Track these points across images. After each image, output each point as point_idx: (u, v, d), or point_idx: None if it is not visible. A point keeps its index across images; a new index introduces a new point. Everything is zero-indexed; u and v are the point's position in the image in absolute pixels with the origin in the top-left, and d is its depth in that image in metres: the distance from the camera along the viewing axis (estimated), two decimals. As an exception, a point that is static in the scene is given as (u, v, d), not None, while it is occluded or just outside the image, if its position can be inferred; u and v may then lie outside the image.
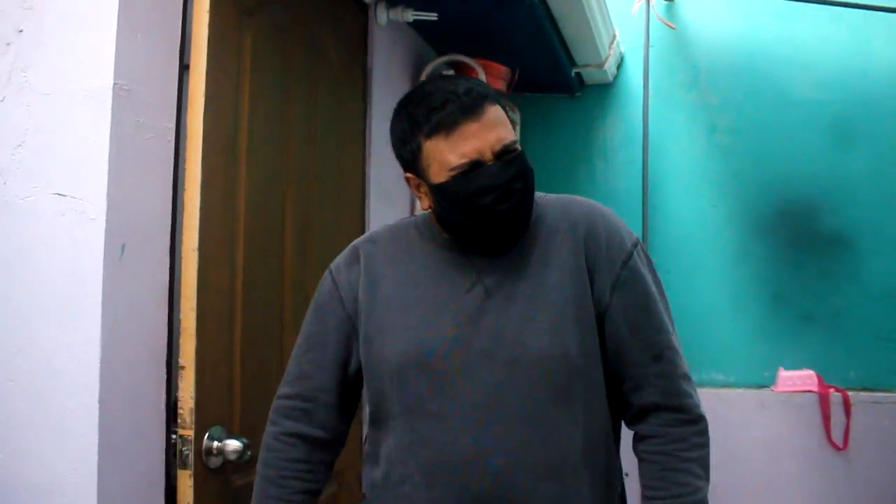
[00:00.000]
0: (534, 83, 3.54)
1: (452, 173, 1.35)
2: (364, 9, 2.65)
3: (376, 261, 1.49)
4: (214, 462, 1.74)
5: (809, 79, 3.50)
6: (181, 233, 1.73)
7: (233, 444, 1.74)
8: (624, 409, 1.46)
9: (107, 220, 1.55)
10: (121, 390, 1.58)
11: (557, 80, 3.58)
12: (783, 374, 3.37)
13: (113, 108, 1.57)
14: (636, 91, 3.71)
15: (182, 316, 1.70)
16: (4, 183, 1.61)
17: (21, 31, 1.64)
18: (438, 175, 1.37)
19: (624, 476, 1.50)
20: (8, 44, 1.64)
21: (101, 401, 1.52)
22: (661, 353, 1.42)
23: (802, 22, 3.51)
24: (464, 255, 1.44)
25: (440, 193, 1.38)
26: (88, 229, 1.55)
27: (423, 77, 3.04)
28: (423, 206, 1.46)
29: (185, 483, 1.67)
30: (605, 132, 3.76)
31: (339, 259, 1.54)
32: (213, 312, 1.78)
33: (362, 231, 2.59)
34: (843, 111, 3.45)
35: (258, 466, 1.50)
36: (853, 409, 3.28)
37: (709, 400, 3.11)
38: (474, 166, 1.34)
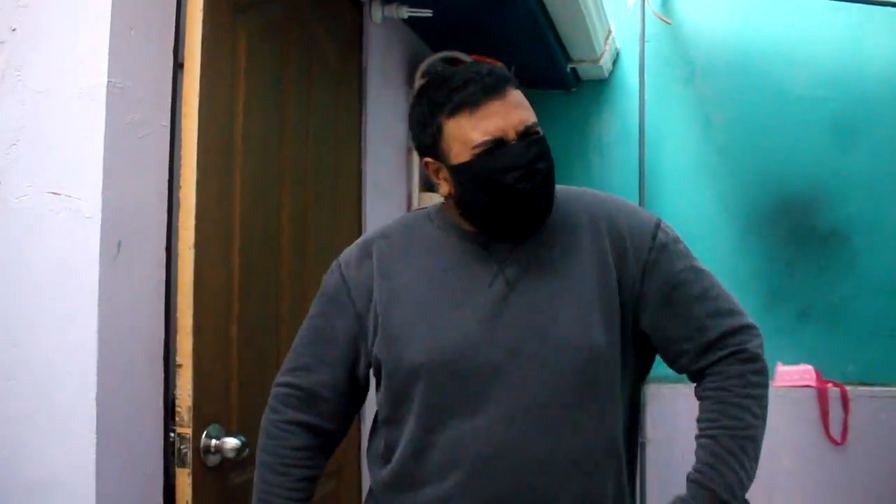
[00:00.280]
0: (529, 79, 3.48)
1: (475, 151, 1.33)
2: (359, 6, 2.65)
3: (391, 257, 1.46)
4: (213, 460, 1.73)
5: (806, 74, 3.50)
6: (177, 231, 1.72)
7: (231, 442, 1.74)
8: (686, 374, 1.46)
9: (102, 219, 1.54)
10: (118, 389, 1.57)
11: (552, 75, 3.57)
12: (781, 369, 3.37)
13: (107, 107, 1.57)
14: (632, 87, 3.71)
15: (179, 314, 1.70)
16: (-1, 182, 1.61)
17: (14, 29, 1.63)
18: (460, 155, 1.35)
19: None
20: (2, 42, 1.64)
21: (99, 399, 1.52)
22: (704, 324, 1.42)
23: (799, 16, 3.51)
24: (483, 247, 1.41)
25: (462, 174, 1.36)
26: (84, 228, 1.55)
27: (418, 74, 3.04)
28: (441, 192, 1.44)
29: (184, 481, 1.66)
30: (600, 128, 3.76)
31: (349, 253, 1.50)
32: (210, 310, 1.78)
33: (359, 228, 2.59)
34: (841, 106, 3.45)
35: (258, 453, 1.50)
36: (851, 404, 3.29)
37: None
38: (497, 144, 1.33)
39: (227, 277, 1.86)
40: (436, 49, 3.14)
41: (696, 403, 1.46)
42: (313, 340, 1.50)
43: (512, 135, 1.34)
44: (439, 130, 1.37)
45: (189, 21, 1.75)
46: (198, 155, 1.73)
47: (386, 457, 1.43)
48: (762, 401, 1.40)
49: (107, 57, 1.57)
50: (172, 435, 1.69)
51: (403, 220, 1.54)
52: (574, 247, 1.41)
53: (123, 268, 1.60)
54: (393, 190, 2.91)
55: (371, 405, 1.55)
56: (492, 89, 1.34)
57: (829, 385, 3.30)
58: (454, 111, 1.34)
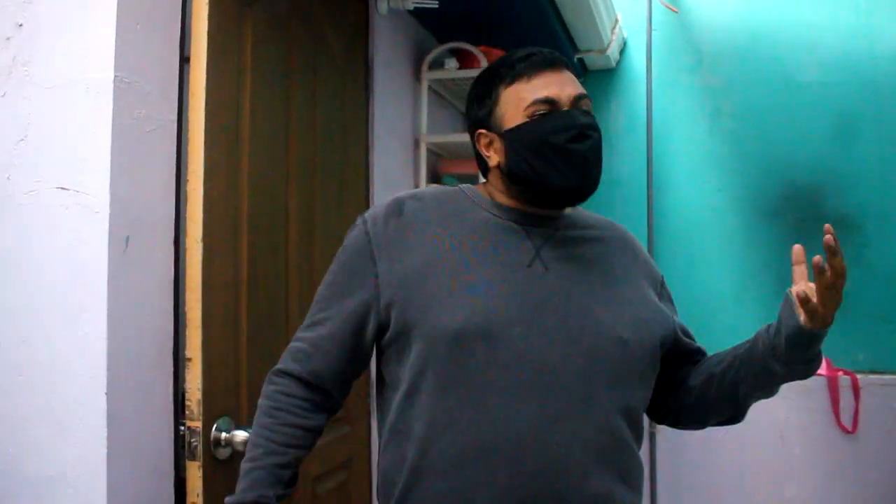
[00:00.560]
0: (536, 70, 3.52)
1: (530, 111, 1.38)
2: (364, -2, 2.64)
3: (424, 218, 1.42)
4: (223, 453, 1.74)
5: (814, 61, 3.48)
6: (185, 225, 1.73)
7: (241, 435, 1.74)
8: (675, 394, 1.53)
9: (110, 214, 1.54)
10: (128, 383, 1.58)
11: (560, 66, 3.56)
12: (791, 357, 3.36)
13: (114, 101, 1.57)
14: (639, 76, 3.70)
15: (187, 308, 1.70)
16: (7, 178, 1.61)
17: (21, 25, 1.64)
18: (514, 118, 1.39)
19: None
20: (8, 38, 1.64)
21: (109, 394, 1.52)
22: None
23: (805, 3, 3.50)
24: (520, 227, 1.42)
25: (514, 135, 1.39)
26: (92, 223, 1.55)
27: (424, 65, 3.04)
28: (491, 164, 1.45)
29: (194, 474, 1.67)
30: (608, 118, 3.75)
31: (377, 210, 1.46)
32: (219, 304, 1.78)
33: (367, 221, 2.59)
34: (849, 93, 3.44)
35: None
36: (862, 392, 3.28)
37: (716, 384, 3.11)
38: (551, 109, 1.38)
39: (235, 271, 1.87)
40: (442, 40, 3.14)
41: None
42: (327, 297, 1.45)
43: (566, 102, 1.39)
44: (496, 100, 1.42)
45: (195, 15, 1.75)
46: (205, 149, 1.73)
47: (405, 434, 1.37)
48: None
49: (113, 52, 1.57)
50: (182, 428, 1.70)
51: (435, 190, 1.52)
52: (604, 252, 1.48)
53: (132, 262, 1.60)
54: (400, 182, 2.91)
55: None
56: (551, 62, 1.41)
57: (840, 373, 3.30)
58: (513, 79, 1.40)
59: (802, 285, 1.32)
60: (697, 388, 1.48)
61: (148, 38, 1.67)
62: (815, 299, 1.26)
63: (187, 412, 1.69)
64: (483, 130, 1.44)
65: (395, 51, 2.88)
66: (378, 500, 1.45)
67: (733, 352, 1.45)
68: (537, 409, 1.31)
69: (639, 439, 1.43)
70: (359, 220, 1.46)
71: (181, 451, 1.70)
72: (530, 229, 1.42)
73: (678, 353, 1.52)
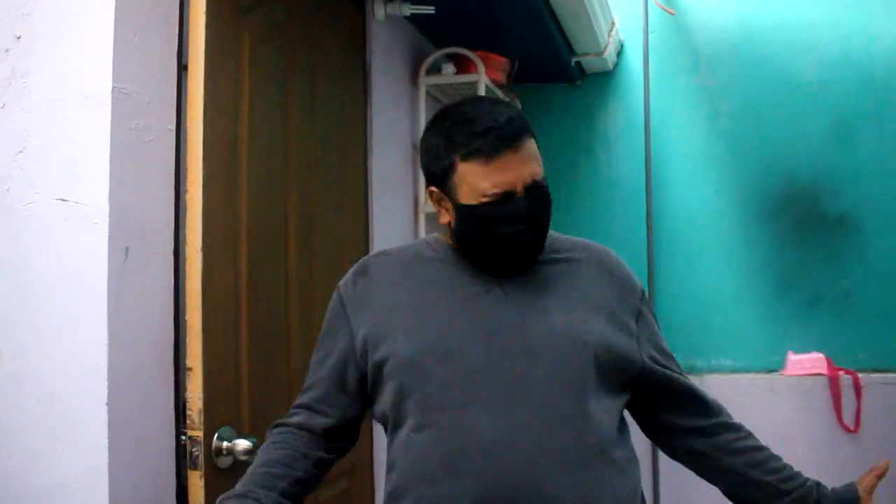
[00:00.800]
0: (533, 73, 3.53)
1: (484, 199, 1.38)
2: (361, 4, 2.65)
3: (387, 270, 1.52)
4: (224, 462, 1.74)
5: (811, 61, 3.48)
6: (184, 234, 1.73)
7: (242, 444, 1.74)
8: (667, 427, 1.56)
9: (110, 224, 1.55)
10: (129, 393, 1.58)
11: (557, 69, 3.57)
12: (792, 357, 3.36)
13: (112, 112, 1.57)
14: (637, 78, 3.70)
15: (188, 317, 1.70)
16: (7, 189, 1.61)
17: (19, 37, 1.64)
18: (468, 198, 1.40)
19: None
20: (6, 50, 1.64)
21: (110, 404, 1.53)
22: (682, 371, 1.57)
23: (802, 3, 3.49)
24: (479, 270, 1.46)
25: (466, 214, 1.41)
26: (91, 233, 1.55)
27: (421, 71, 3.04)
28: (441, 221, 1.49)
29: (196, 484, 1.67)
30: (606, 120, 3.75)
31: (347, 275, 1.56)
32: (219, 313, 1.78)
33: (366, 226, 2.60)
34: (846, 92, 3.43)
35: None
36: (864, 391, 3.27)
37: (718, 386, 3.12)
38: (505, 197, 1.38)
39: (235, 279, 1.87)
40: (439, 45, 3.14)
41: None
42: (315, 361, 1.54)
43: (520, 188, 1.38)
44: (452, 168, 1.41)
45: (193, 23, 1.75)
46: (203, 157, 1.73)
47: (389, 465, 1.45)
48: None
49: (111, 62, 1.58)
50: (183, 438, 1.70)
51: (401, 246, 1.61)
52: (570, 272, 1.49)
53: (132, 272, 1.60)
54: (399, 187, 2.91)
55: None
56: (510, 141, 1.37)
57: (841, 372, 3.29)
58: (469, 156, 1.38)
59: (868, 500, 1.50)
60: (714, 464, 1.54)
61: (145, 48, 1.67)
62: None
63: (188, 421, 1.68)
64: (435, 189, 1.46)
65: (392, 56, 2.89)
66: None
67: (770, 475, 1.52)
68: (502, 422, 1.34)
69: (617, 445, 1.41)
70: (335, 291, 1.55)
71: (182, 460, 1.70)
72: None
73: (651, 382, 1.51)
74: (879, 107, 3.39)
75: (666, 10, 3.60)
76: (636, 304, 1.51)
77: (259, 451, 1.50)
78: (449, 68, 3.08)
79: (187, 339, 1.70)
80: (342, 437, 1.53)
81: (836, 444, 3.30)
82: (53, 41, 1.62)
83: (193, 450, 1.68)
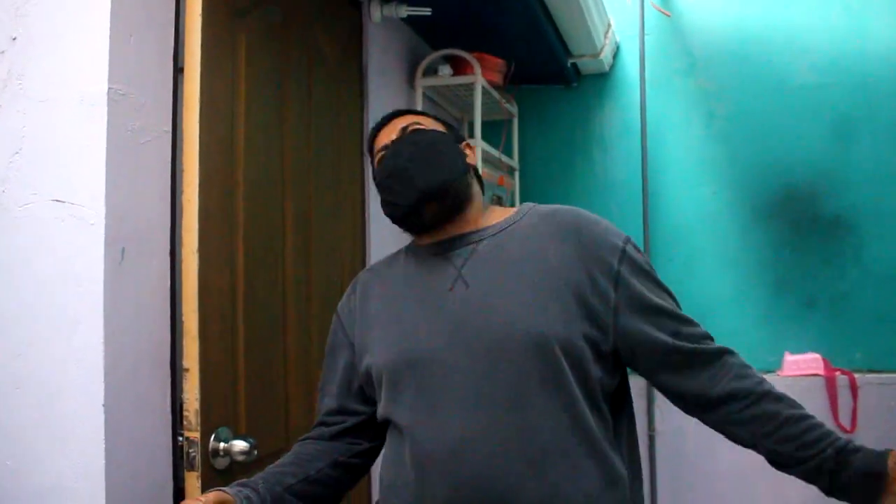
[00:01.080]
0: (530, 75, 3.54)
1: (376, 163, 1.58)
2: (357, 6, 2.65)
3: (371, 285, 1.59)
4: (221, 463, 1.74)
5: (806, 63, 3.49)
6: (181, 235, 1.73)
7: (239, 445, 1.75)
8: (680, 399, 1.44)
9: (106, 225, 1.55)
10: (126, 394, 1.58)
11: (553, 71, 3.57)
12: (789, 358, 3.37)
13: (109, 113, 1.57)
14: (633, 80, 3.70)
15: (184, 318, 1.70)
16: (3, 191, 1.61)
17: (14, 38, 1.64)
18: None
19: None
20: (2, 52, 1.64)
21: (107, 405, 1.53)
22: (679, 330, 1.42)
23: (797, 6, 3.50)
24: (444, 258, 1.49)
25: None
26: (88, 235, 1.55)
27: (418, 72, 3.05)
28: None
29: (193, 485, 1.67)
30: (602, 122, 3.75)
31: (343, 297, 1.64)
32: (216, 314, 1.78)
33: (363, 228, 2.60)
34: (841, 94, 3.44)
35: None
36: (860, 392, 3.28)
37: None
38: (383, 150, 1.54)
39: (232, 280, 1.87)
40: (436, 47, 3.14)
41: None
42: (323, 378, 1.63)
43: (395, 136, 1.54)
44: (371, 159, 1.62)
45: (189, 25, 1.75)
46: (200, 159, 1.73)
47: (383, 460, 1.52)
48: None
49: (107, 64, 1.58)
50: (181, 439, 1.70)
51: (386, 257, 1.66)
52: (536, 251, 1.44)
53: (128, 274, 1.60)
54: (396, 189, 2.91)
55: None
56: (395, 114, 1.59)
57: (837, 373, 3.30)
58: (373, 138, 1.60)
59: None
60: (747, 429, 1.38)
61: (141, 50, 1.67)
62: None
63: (185, 423, 1.68)
64: None
65: (388, 58, 2.89)
66: None
67: (800, 443, 1.35)
68: (469, 421, 1.35)
69: (593, 439, 1.37)
70: (335, 313, 1.64)
71: (179, 461, 1.70)
72: (451, 254, 1.49)
73: (634, 344, 1.42)
74: (873, 109, 3.40)
75: (662, 12, 3.61)
76: (613, 268, 1.40)
77: None
78: (445, 70, 3.08)
79: (184, 341, 1.70)
80: (360, 438, 1.57)
81: (833, 444, 3.31)
82: (49, 43, 1.62)
83: (190, 451, 1.68)
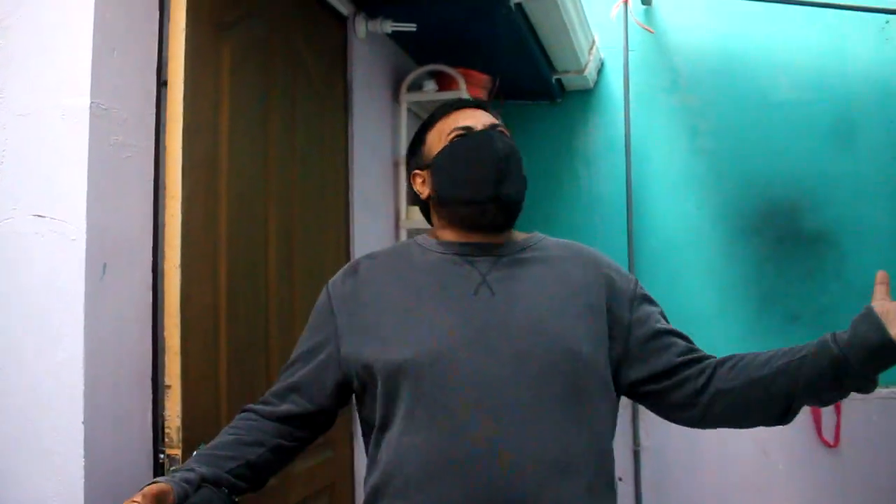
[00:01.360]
0: (515, 91, 3.55)
1: (449, 137, 1.50)
2: (343, 21, 2.65)
3: (376, 272, 1.53)
4: (203, 480, 1.72)
5: (788, 80, 3.53)
6: (163, 251, 1.72)
7: (221, 462, 1.73)
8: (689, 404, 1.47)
9: (87, 241, 1.54)
10: (106, 411, 1.56)
11: (538, 87, 3.59)
12: (772, 373, 3.38)
13: (91, 128, 1.56)
14: (617, 96, 3.73)
15: (166, 334, 1.69)
16: (-17, 205, 1.60)
17: (-4, 52, 1.63)
18: (437, 147, 1.51)
19: (617, 480, 1.50)
20: (-17, 65, 1.63)
21: (87, 422, 1.51)
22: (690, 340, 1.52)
23: (779, 23, 3.54)
24: (467, 261, 1.47)
25: (438, 159, 1.50)
26: (69, 250, 1.54)
27: (403, 88, 3.05)
28: (423, 197, 1.56)
29: (174, 502, 1.65)
30: (587, 138, 3.77)
31: (337, 274, 1.58)
32: (198, 330, 1.77)
33: (347, 242, 2.59)
34: (823, 111, 3.48)
35: None
36: (843, 407, 3.30)
37: (699, 402, 3.11)
38: (468, 132, 1.50)
39: (214, 296, 1.86)
40: (421, 63, 3.15)
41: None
42: (297, 351, 1.54)
43: (480, 127, 1.51)
44: (424, 141, 1.55)
45: (172, 39, 1.75)
46: (182, 174, 1.73)
47: (375, 462, 1.45)
48: None
49: (89, 78, 1.57)
50: (162, 456, 1.68)
51: (389, 247, 1.63)
52: (559, 272, 1.49)
53: (109, 289, 1.59)
54: (380, 203, 2.91)
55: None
56: (469, 104, 1.56)
57: (821, 389, 3.31)
58: (436, 120, 1.55)
59: (887, 304, 1.33)
60: (738, 391, 1.42)
61: (124, 64, 1.66)
62: None
63: (167, 440, 1.67)
64: (416, 171, 1.56)
65: (373, 73, 2.89)
66: None
67: (783, 358, 1.42)
68: (488, 426, 1.34)
69: (607, 460, 1.43)
70: (324, 288, 1.57)
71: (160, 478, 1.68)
72: (476, 259, 1.48)
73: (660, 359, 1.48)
74: (856, 123, 3.44)
75: (646, 29, 3.64)
76: (632, 292, 1.51)
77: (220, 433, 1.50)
78: (430, 85, 3.09)
79: (166, 357, 1.69)
80: (306, 427, 1.52)
81: (816, 459, 3.32)
82: (31, 55, 1.61)
83: (171, 468, 1.66)
